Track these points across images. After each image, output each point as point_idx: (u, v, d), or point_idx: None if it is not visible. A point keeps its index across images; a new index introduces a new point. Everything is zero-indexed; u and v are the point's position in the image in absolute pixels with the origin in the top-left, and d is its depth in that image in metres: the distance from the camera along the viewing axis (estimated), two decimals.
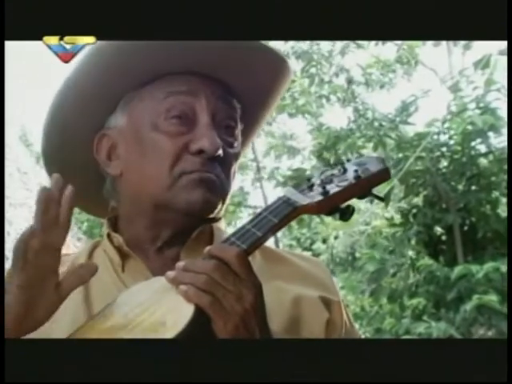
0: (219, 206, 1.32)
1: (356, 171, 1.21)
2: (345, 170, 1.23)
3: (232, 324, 1.08)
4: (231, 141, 1.32)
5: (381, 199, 1.29)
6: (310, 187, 1.22)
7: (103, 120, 1.35)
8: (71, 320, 1.20)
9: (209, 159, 1.27)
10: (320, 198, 1.20)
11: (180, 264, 1.13)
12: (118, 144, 1.32)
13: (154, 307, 1.12)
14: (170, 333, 1.07)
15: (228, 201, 1.37)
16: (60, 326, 1.18)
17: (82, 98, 1.34)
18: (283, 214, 1.18)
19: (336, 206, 1.22)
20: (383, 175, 1.23)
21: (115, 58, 1.29)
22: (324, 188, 1.20)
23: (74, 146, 1.37)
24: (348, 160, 1.25)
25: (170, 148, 1.27)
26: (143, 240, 1.31)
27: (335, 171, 1.23)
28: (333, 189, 1.20)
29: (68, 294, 1.14)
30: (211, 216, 1.32)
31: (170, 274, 1.13)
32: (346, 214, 1.23)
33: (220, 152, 1.27)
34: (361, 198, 1.24)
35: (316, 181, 1.23)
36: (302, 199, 1.20)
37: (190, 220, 1.29)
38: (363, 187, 1.22)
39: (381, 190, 7.91)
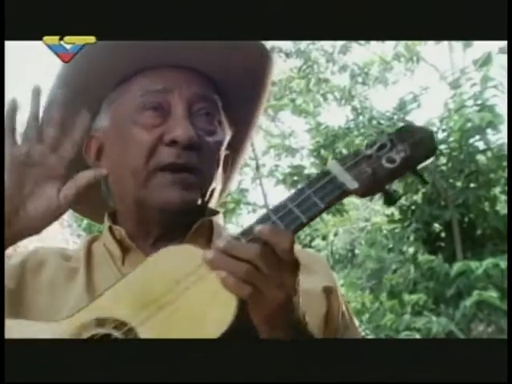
0: (207, 197, 1.30)
1: (405, 150, 1.12)
2: (393, 145, 1.13)
3: (269, 309, 1.05)
4: (212, 128, 1.30)
5: (424, 182, 1.21)
6: (357, 164, 1.12)
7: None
8: (73, 311, 1.20)
9: (184, 149, 1.25)
10: (368, 181, 1.11)
11: (219, 245, 1.06)
12: (105, 144, 1.33)
13: (189, 291, 1.06)
14: (213, 329, 1.04)
15: (218, 186, 1.35)
16: (62, 317, 1.18)
17: (65, 105, 1.35)
18: (330, 199, 1.09)
19: (382, 189, 1.14)
20: (431, 154, 1.15)
21: (92, 60, 1.30)
22: (373, 169, 1.11)
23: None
24: (396, 133, 1.15)
25: (146, 140, 1.27)
26: (136, 236, 1.31)
27: (382, 145, 1.13)
28: (381, 171, 1.11)
29: (68, 202, 1.15)
30: (191, 210, 1.28)
31: (209, 254, 1.06)
32: (392, 199, 1.15)
33: (194, 140, 1.25)
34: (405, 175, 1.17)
35: (362, 156, 1.13)
36: (350, 182, 1.10)
37: (173, 218, 1.27)
38: (410, 167, 1.15)
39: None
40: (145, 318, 1.08)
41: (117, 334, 1.08)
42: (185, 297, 1.07)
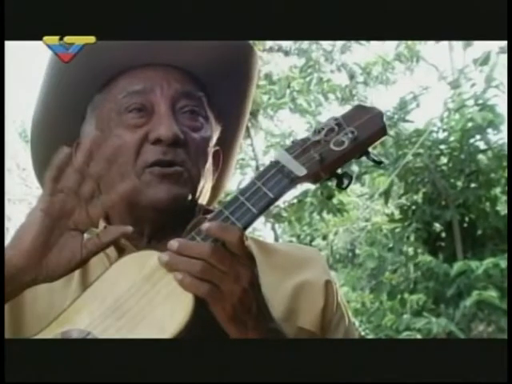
0: (197, 193, 1.29)
1: (353, 132, 1.12)
2: (340, 128, 1.13)
3: (229, 304, 1.06)
4: (197, 125, 1.29)
5: (378, 162, 1.20)
6: (305, 150, 1.12)
7: (77, 129, 1.35)
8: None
9: (169, 146, 1.25)
10: (317, 167, 1.11)
11: (173, 245, 1.07)
12: (93, 150, 1.33)
13: (147, 295, 1.08)
14: (171, 327, 1.05)
15: (208, 184, 1.34)
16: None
17: (52, 114, 1.37)
18: (279, 188, 1.10)
19: (333, 173, 1.14)
20: (381, 133, 1.14)
21: (75, 63, 1.29)
22: (320, 155, 1.11)
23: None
24: (343, 115, 1.14)
25: (132, 140, 1.27)
26: (131, 236, 1.31)
27: (330, 129, 1.13)
28: (329, 155, 1.11)
29: (91, 257, 1.13)
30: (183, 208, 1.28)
31: (164, 256, 1.07)
32: (343, 183, 1.15)
33: (179, 137, 1.24)
34: (358, 158, 1.15)
35: (310, 142, 1.13)
36: (299, 169, 1.11)
37: (165, 216, 1.27)
38: (361, 149, 1.13)
39: (380, 187, 7.93)
40: (107, 325, 1.08)
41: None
42: (143, 301, 1.08)
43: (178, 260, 1.06)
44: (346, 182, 1.15)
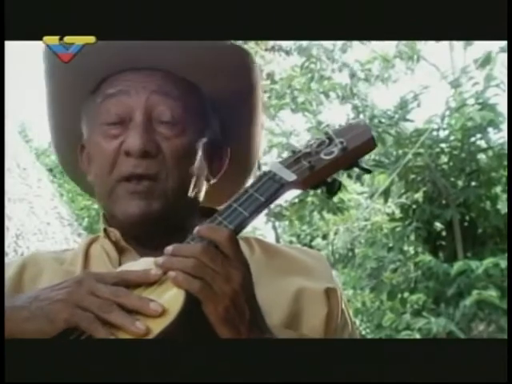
0: (178, 201, 1.27)
1: (342, 142, 1.17)
2: (331, 141, 1.18)
3: (222, 306, 1.07)
4: (177, 131, 1.27)
5: (367, 171, 1.25)
6: (296, 161, 1.18)
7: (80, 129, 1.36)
8: None
9: (140, 159, 1.24)
10: (306, 173, 1.16)
11: (169, 249, 1.10)
12: (90, 152, 1.34)
13: (144, 293, 1.09)
14: (163, 320, 1.05)
15: (203, 186, 1.33)
16: None
17: (56, 115, 1.38)
18: (270, 192, 1.15)
19: (323, 181, 1.19)
20: (369, 145, 1.20)
21: (64, 67, 1.29)
22: (310, 162, 1.16)
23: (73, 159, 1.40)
24: (334, 129, 1.21)
25: (107, 150, 1.27)
26: (126, 239, 1.32)
27: (321, 142, 1.19)
28: (319, 163, 1.17)
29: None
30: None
31: (159, 259, 1.10)
32: (333, 189, 1.20)
33: (148, 149, 1.23)
34: (347, 169, 1.21)
35: (302, 154, 1.18)
36: (288, 175, 1.16)
37: (143, 228, 1.27)
38: (350, 159, 1.19)
39: (381, 186, 7.94)
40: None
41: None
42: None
43: (173, 260, 1.09)
44: (335, 188, 1.20)
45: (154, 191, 1.25)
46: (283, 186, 1.16)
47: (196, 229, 1.11)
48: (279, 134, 10.19)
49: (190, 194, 1.30)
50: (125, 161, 1.25)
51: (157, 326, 1.05)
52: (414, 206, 7.89)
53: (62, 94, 1.35)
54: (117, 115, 1.27)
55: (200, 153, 1.31)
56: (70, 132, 1.38)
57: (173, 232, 1.22)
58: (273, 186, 1.15)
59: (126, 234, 1.31)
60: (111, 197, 1.27)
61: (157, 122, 1.27)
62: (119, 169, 1.26)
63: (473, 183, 7.73)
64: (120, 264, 1.29)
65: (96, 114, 1.30)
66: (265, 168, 1.19)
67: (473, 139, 7.64)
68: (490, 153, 7.67)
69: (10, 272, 1.29)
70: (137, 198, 1.25)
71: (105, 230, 1.34)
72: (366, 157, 1.23)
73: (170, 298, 1.07)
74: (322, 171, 1.17)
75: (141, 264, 1.14)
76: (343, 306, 1.32)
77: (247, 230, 1.18)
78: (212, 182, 1.37)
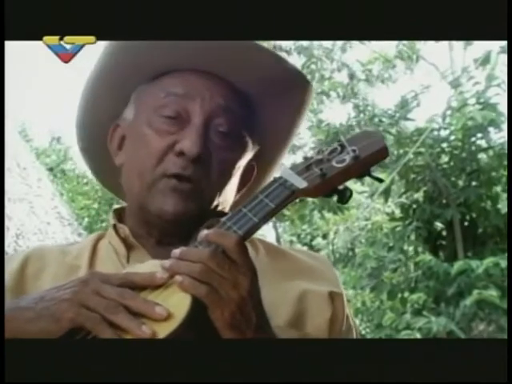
0: (216, 208, 1.29)
1: (354, 151, 1.16)
2: (343, 149, 1.17)
3: (228, 311, 1.06)
4: (228, 145, 1.29)
5: (379, 180, 1.25)
6: (308, 168, 1.17)
7: (119, 111, 1.36)
8: None
9: (192, 161, 1.25)
10: (318, 181, 1.15)
11: (176, 252, 1.09)
12: (127, 136, 1.34)
13: (150, 296, 1.09)
14: (169, 324, 1.05)
15: (230, 199, 1.33)
16: None
17: (98, 91, 1.37)
18: (280, 199, 1.13)
19: (334, 188, 1.17)
20: (382, 154, 1.18)
21: (126, 53, 1.30)
22: (321, 170, 1.15)
23: (101, 135, 1.39)
24: (346, 137, 1.19)
25: (157, 145, 1.27)
26: (140, 235, 1.32)
27: (333, 150, 1.18)
28: (330, 171, 1.15)
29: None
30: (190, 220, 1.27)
31: (166, 262, 1.09)
32: (344, 197, 1.18)
33: (202, 155, 1.24)
34: (359, 177, 1.20)
35: (313, 160, 1.17)
36: (300, 182, 1.15)
37: (171, 225, 1.27)
38: (361, 167, 1.17)
39: (381, 186, 7.93)
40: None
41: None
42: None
43: (180, 264, 1.08)
44: (346, 196, 1.19)
45: (192, 194, 1.26)
46: (294, 193, 1.15)
47: (204, 233, 1.10)
48: None
49: (223, 205, 1.32)
50: (175, 160, 1.26)
51: (163, 331, 1.05)
52: (415, 206, 7.89)
53: (113, 72, 1.34)
54: (177, 112, 1.27)
55: (242, 169, 1.33)
56: (103, 109, 1.37)
57: (186, 235, 1.22)
58: (283, 193, 1.14)
59: (146, 228, 1.30)
60: (150, 190, 1.27)
61: (214, 131, 1.28)
62: (166, 166, 1.26)
63: (473, 183, 7.73)
64: (128, 260, 1.30)
65: (153, 104, 1.29)
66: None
67: (473, 139, 7.64)
68: (491, 152, 7.67)
69: (11, 266, 1.29)
70: (176, 197, 1.25)
71: (114, 226, 1.34)
72: None
73: (177, 303, 1.07)
74: (334, 179, 1.16)
75: (147, 266, 1.14)
76: (347, 310, 1.32)
77: None
78: (237, 197, 1.37)
